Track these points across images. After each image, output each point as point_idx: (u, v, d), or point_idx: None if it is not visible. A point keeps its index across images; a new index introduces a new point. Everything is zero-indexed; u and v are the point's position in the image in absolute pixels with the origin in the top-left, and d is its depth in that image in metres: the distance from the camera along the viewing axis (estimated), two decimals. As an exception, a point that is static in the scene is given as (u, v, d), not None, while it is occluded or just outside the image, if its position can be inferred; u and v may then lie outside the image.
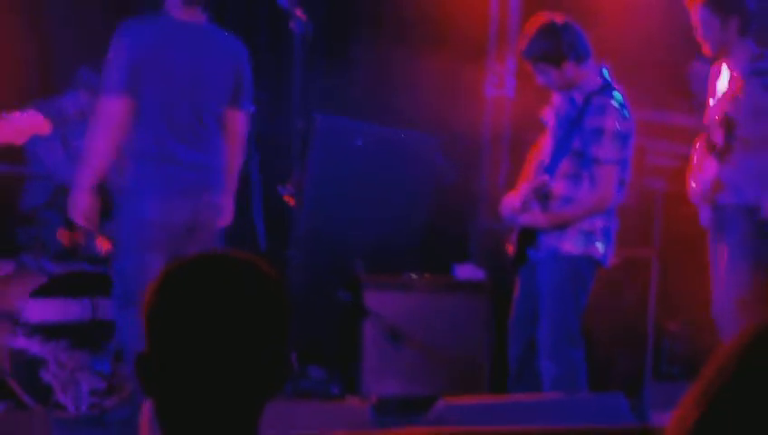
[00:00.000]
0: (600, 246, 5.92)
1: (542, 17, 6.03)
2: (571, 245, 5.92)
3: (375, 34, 8.80)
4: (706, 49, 6.16)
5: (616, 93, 5.90)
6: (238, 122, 6.13)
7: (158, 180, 5.86)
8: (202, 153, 5.95)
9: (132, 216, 5.88)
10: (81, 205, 5.83)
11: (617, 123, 5.83)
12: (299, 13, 6.66)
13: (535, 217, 5.97)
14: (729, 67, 6.12)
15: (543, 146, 6.15)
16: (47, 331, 6.46)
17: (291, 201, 5.90)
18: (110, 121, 5.80)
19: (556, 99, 6.10)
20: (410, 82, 8.59)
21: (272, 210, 7.69)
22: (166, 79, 5.87)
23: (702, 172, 6.15)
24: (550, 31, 5.93)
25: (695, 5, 6.12)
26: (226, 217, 6.16)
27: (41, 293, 6.45)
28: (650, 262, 7.65)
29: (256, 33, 8.74)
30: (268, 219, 7.51)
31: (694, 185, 6.19)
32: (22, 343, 6.38)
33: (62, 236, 6.94)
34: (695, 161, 6.21)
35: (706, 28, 6.09)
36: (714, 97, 6.28)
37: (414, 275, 7.52)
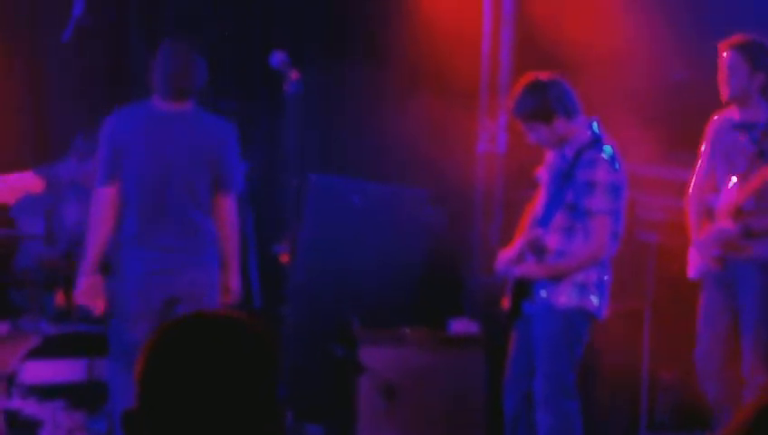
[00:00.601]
0: (594, 299, 5.94)
1: (528, 76, 6.07)
2: (565, 298, 5.93)
3: (369, 93, 8.83)
4: (724, 92, 6.29)
5: (606, 147, 5.94)
6: (223, 207, 6.32)
7: (137, 262, 6.18)
8: (182, 236, 6.21)
9: (117, 289, 6.19)
10: (81, 287, 6.17)
11: (608, 175, 5.86)
12: (292, 74, 6.72)
13: (531, 269, 5.99)
14: (742, 118, 6.25)
15: (538, 201, 6.18)
16: (43, 392, 6.44)
17: (285, 259, 5.91)
18: (97, 211, 6.20)
19: (549, 157, 6.14)
20: (403, 139, 8.57)
21: (267, 268, 7.72)
22: (143, 166, 6.18)
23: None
24: (536, 88, 5.97)
25: (728, 48, 6.27)
26: (233, 296, 6.44)
27: (37, 354, 6.46)
28: (643, 314, 7.66)
29: (251, 94, 8.80)
30: (263, 277, 7.53)
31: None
32: (18, 404, 6.36)
33: (59, 297, 6.94)
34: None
35: (733, 72, 6.25)
36: (712, 145, 6.40)
37: (409, 330, 7.53)
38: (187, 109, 6.22)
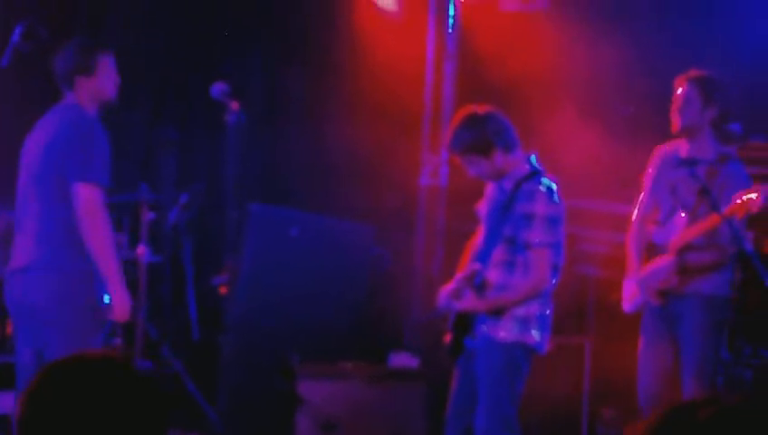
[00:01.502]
0: (535, 334, 5.91)
1: (465, 110, 6.06)
2: (506, 332, 5.89)
3: (310, 125, 8.84)
4: (676, 123, 6.35)
5: (545, 179, 5.92)
6: (74, 196, 5.82)
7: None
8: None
9: (92, 298, 5.83)
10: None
11: (547, 208, 5.84)
12: (233, 105, 6.70)
13: (471, 303, 5.95)
14: (690, 153, 6.32)
15: (479, 236, 6.17)
16: None
17: (224, 290, 5.83)
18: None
19: (489, 189, 6.13)
20: (345, 172, 8.64)
21: (206, 299, 7.67)
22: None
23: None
24: (474, 121, 5.94)
25: (684, 81, 6.34)
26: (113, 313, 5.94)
27: None
28: (584, 348, 7.67)
29: (192, 125, 8.77)
30: (202, 308, 7.49)
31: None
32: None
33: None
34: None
35: (686, 104, 6.32)
36: (656, 177, 6.45)
37: (349, 364, 7.50)
38: (65, 100, 6.05)
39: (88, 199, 5.74)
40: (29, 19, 6.54)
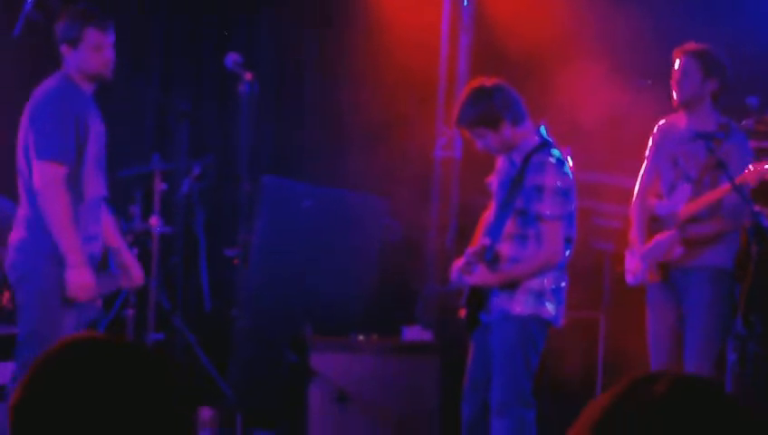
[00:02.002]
0: (550, 307, 5.90)
1: (473, 83, 6.05)
2: (520, 306, 5.89)
3: (323, 96, 8.81)
4: (677, 97, 6.37)
5: (554, 150, 5.89)
6: (33, 173, 5.80)
7: None
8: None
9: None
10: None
11: (557, 180, 5.82)
12: (246, 75, 6.66)
13: (484, 277, 5.93)
14: (691, 125, 6.33)
15: (491, 210, 6.15)
16: None
17: (236, 262, 5.79)
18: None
19: (499, 162, 6.11)
20: (358, 144, 8.63)
21: (218, 271, 7.65)
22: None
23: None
24: (481, 94, 5.91)
25: (682, 54, 6.36)
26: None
27: None
28: (598, 323, 7.67)
29: (204, 96, 8.75)
30: (214, 280, 7.46)
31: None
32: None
33: (4, 298, 6.82)
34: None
35: (686, 76, 6.33)
36: (656, 150, 6.46)
37: (361, 337, 7.48)
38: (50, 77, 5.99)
39: (43, 176, 5.69)
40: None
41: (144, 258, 7.47)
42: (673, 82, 6.37)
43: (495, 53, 8.23)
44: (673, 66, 6.38)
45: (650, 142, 6.56)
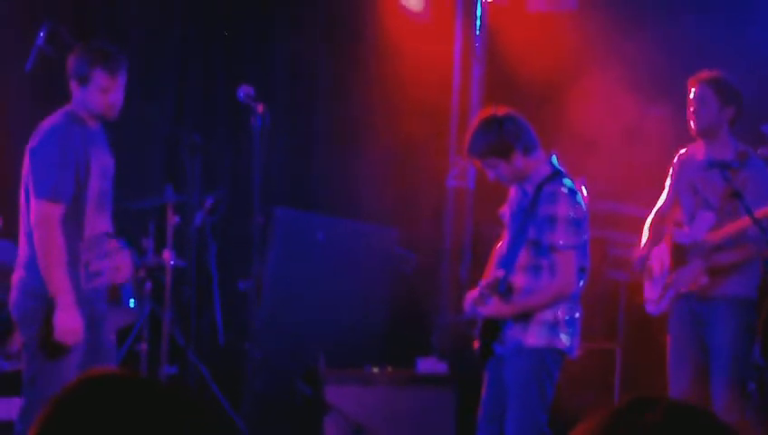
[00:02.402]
0: (564, 338, 5.84)
1: (483, 112, 6.01)
2: (534, 337, 5.83)
3: (336, 126, 8.81)
4: (695, 126, 6.33)
5: (566, 180, 5.85)
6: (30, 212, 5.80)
7: None
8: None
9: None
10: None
11: (569, 209, 5.76)
12: (258, 107, 6.64)
13: (498, 308, 5.88)
14: (709, 154, 6.30)
15: (504, 240, 6.10)
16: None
17: (250, 295, 5.76)
18: None
19: (511, 192, 6.08)
20: (371, 174, 8.62)
21: (231, 304, 7.62)
22: None
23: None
24: (492, 124, 5.87)
25: (697, 83, 6.32)
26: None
27: None
28: (614, 354, 7.62)
29: (217, 128, 8.75)
30: (227, 313, 7.44)
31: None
32: None
33: (17, 334, 6.81)
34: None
35: (702, 105, 6.29)
36: (676, 180, 6.42)
37: (376, 369, 7.45)
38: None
39: (38, 214, 5.66)
40: (52, 21, 6.49)
41: (157, 292, 7.46)
42: (689, 112, 6.34)
43: (508, 82, 8.26)
44: (688, 96, 6.34)
45: (671, 171, 6.53)
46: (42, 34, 6.43)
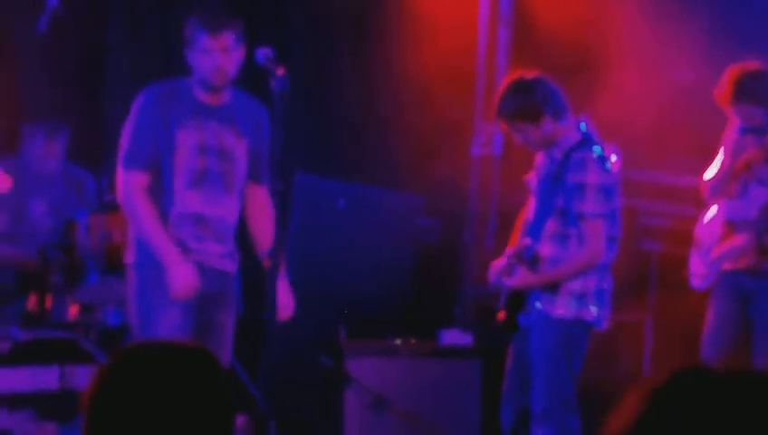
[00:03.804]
0: (593, 309, 5.80)
1: (513, 75, 5.97)
2: (562, 308, 5.80)
3: (359, 92, 8.73)
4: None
5: (596, 147, 5.79)
6: None
7: None
8: None
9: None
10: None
11: (599, 177, 5.71)
12: (278, 70, 6.49)
13: (525, 278, 5.83)
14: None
15: (530, 207, 6.06)
16: (12, 401, 6.23)
17: (268, 264, 5.65)
18: None
19: (538, 159, 6.01)
20: (395, 141, 8.52)
21: (250, 274, 7.52)
22: None
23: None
24: (522, 87, 5.83)
25: (729, 106, 6.17)
26: None
27: (5, 360, 6.23)
28: (644, 325, 7.56)
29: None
30: (246, 283, 7.33)
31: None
32: (-14, 413, 6.18)
33: (31, 300, 6.76)
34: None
35: (749, 119, 6.14)
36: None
37: (398, 341, 7.42)
38: None
39: (118, 186, 5.69)
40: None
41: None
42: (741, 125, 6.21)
43: (536, 46, 8.14)
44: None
45: (723, 142, 6.39)
46: None
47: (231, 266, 5.94)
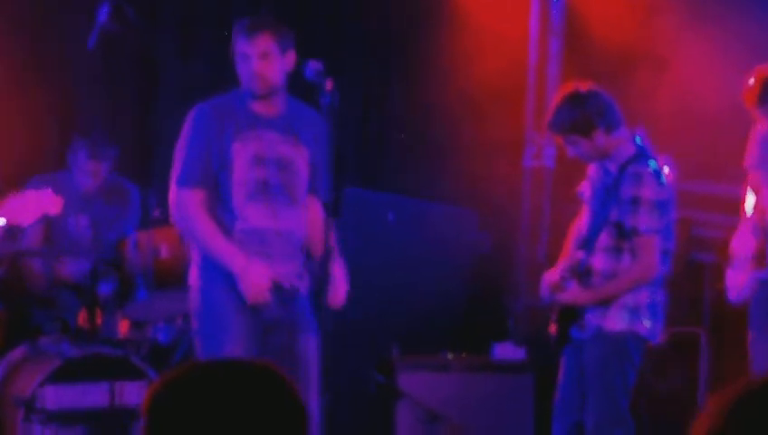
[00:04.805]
0: (646, 323, 5.76)
1: (567, 87, 5.92)
2: (615, 322, 5.75)
3: (410, 105, 8.75)
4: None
5: (651, 161, 5.75)
6: None
7: None
8: None
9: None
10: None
11: (653, 192, 5.67)
12: (328, 84, 6.46)
13: (576, 295, 5.80)
14: None
15: (582, 219, 6.02)
16: (63, 417, 6.25)
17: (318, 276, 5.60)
18: None
19: (591, 170, 5.98)
20: (446, 153, 8.54)
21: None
22: None
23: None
24: (575, 100, 5.78)
25: (755, 108, 6.08)
26: None
27: (57, 377, 6.25)
28: (699, 338, 7.51)
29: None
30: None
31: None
32: (37, 430, 6.17)
33: (81, 317, 6.79)
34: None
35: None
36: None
37: (451, 355, 7.43)
38: None
39: (171, 205, 5.56)
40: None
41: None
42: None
43: (587, 58, 8.13)
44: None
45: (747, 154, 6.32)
46: (104, 11, 6.38)
47: (302, 286, 5.72)
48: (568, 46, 8.50)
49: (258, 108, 5.57)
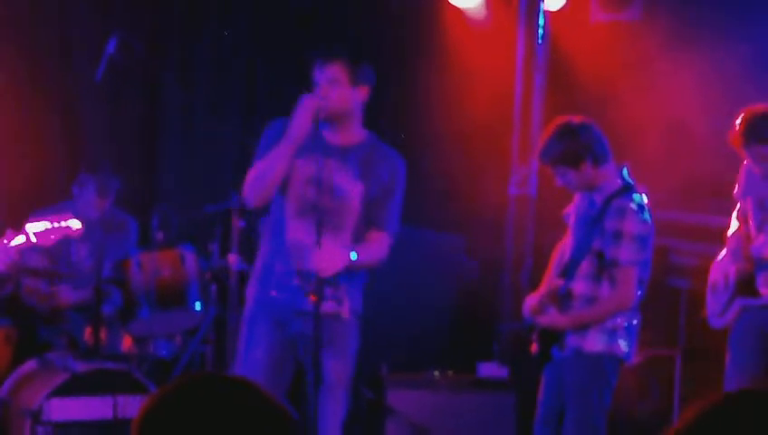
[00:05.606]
0: (622, 344, 5.86)
1: (559, 120, 5.99)
2: (593, 343, 5.86)
3: (397, 135, 8.82)
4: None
5: (636, 195, 5.85)
6: None
7: None
8: None
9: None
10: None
11: (637, 226, 5.76)
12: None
13: (555, 319, 5.91)
14: None
15: (565, 245, 6.12)
16: (68, 429, 6.39)
17: (313, 299, 5.75)
18: None
19: (577, 198, 6.08)
20: (433, 182, 8.60)
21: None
22: None
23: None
24: (566, 132, 5.88)
25: (742, 148, 6.15)
26: None
27: (63, 391, 6.39)
28: (674, 361, 7.59)
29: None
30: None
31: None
32: (43, 441, 6.28)
33: (87, 333, 6.94)
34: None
35: (762, 159, 6.12)
36: (743, 192, 6.35)
37: (438, 374, 7.49)
38: None
39: (244, 188, 5.76)
40: (123, 31, 6.57)
41: (222, 294, 7.54)
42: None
43: (570, 92, 8.24)
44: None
45: (737, 185, 6.42)
46: (112, 44, 6.50)
47: (334, 308, 5.79)
48: (551, 81, 8.59)
49: (329, 135, 5.67)
